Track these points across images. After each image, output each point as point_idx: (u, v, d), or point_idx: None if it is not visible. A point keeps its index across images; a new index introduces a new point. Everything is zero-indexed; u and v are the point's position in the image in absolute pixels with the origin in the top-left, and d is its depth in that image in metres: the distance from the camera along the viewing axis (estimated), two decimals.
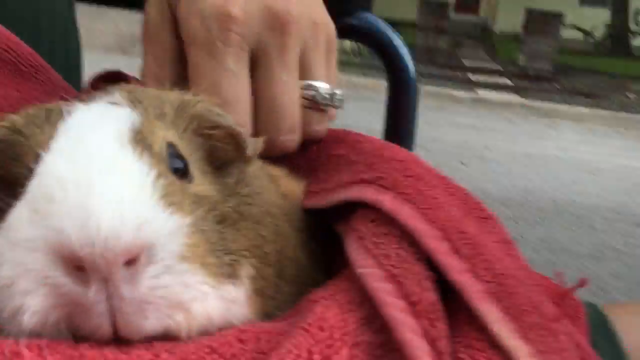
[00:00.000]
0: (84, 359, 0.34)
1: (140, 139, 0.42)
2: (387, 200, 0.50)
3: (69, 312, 0.36)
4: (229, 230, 0.45)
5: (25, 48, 0.68)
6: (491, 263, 0.47)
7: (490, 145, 6.33)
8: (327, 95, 0.68)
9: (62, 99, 0.71)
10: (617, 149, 7.23)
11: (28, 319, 0.35)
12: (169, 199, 0.39)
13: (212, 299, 0.40)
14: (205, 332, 0.40)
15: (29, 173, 0.42)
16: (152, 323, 0.37)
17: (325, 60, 0.69)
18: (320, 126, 0.69)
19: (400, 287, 0.43)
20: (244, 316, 0.44)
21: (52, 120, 0.45)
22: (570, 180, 5.52)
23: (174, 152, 0.45)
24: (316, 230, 0.61)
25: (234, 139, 0.50)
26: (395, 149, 0.59)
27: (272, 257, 0.50)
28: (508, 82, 10.38)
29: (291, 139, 0.65)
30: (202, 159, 0.49)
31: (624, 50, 16.20)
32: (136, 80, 0.81)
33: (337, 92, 0.69)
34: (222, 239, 0.43)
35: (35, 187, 0.39)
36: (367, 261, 0.46)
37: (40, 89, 0.69)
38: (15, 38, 0.68)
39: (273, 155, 0.63)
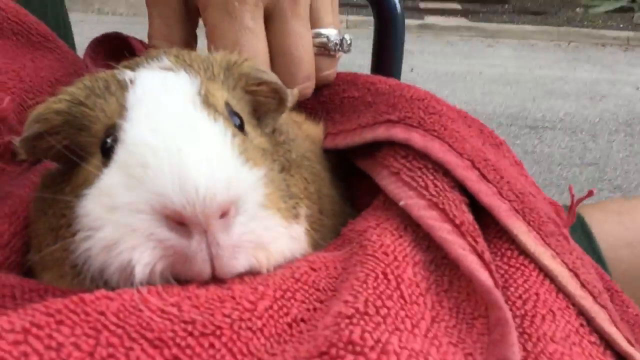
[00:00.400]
0: (198, 297, 0.40)
1: (207, 102, 0.47)
2: (417, 138, 0.56)
3: (173, 261, 0.41)
4: (287, 177, 0.51)
5: (32, 18, 0.70)
6: (512, 185, 0.54)
7: (417, 66, 6.45)
8: (337, 42, 0.72)
9: (76, 66, 0.73)
10: (548, 61, 7.47)
11: (140, 270, 0.40)
12: (246, 155, 0.44)
13: (285, 238, 0.46)
14: (278, 266, 0.46)
15: (99, 141, 0.46)
16: (241, 263, 0.42)
17: (330, 5, 0.73)
18: (331, 70, 0.74)
19: (444, 213, 0.49)
20: (304, 249, 0.50)
21: (112, 90, 0.48)
22: (481, 92, 5.78)
23: (231, 110, 0.50)
24: (337, 168, 0.67)
25: (277, 93, 0.55)
26: (413, 89, 0.63)
27: (314, 195, 0.56)
28: (457, 6, 10.42)
29: (308, 86, 0.69)
30: (249, 113, 0.54)
31: None
32: (138, 41, 0.83)
33: (346, 36, 0.73)
34: (286, 185, 0.49)
35: (126, 155, 0.42)
36: (407, 193, 0.52)
37: (50, 56, 0.71)
38: (22, 9, 0.69)
39: None
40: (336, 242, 0.54)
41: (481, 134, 0.60)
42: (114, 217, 0.41)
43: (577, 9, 10.37)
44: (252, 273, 0.44)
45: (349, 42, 0.74)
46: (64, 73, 0.69)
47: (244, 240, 0.42)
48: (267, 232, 0.44)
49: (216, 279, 0.42)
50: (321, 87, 0.74)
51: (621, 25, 9.37)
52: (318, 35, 0.71)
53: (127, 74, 0.50)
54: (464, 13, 10.08)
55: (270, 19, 0.68)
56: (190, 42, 0.72)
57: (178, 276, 0.41)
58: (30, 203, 0.53)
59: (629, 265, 0.73)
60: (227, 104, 0.50)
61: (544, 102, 5.65)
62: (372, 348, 0.36)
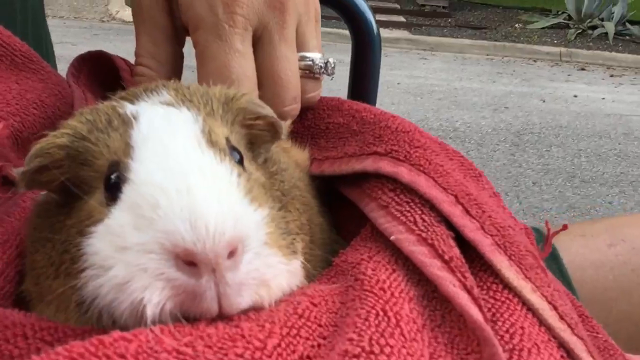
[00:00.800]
0: (210, 337, 0.40)
1: (211, 140, 0.48)
2: (404, 172, 0.58)
3: (182, 300, 0.41)
4: (285, 213, 0.52)
5: (15, 39, 0.69)
6: (493, 219, 0.57)
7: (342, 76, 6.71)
8: (322, 65, 0.75)
9: (60, 87, 0.72)
10: (472, 74, 7.89)
11: (151, 310, 0.40)
12: (251, 195, 0.45)
13: (284, 274, 0.47)
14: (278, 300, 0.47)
15: (102, 176, 0.47)
16: (245, 300, 0.44)
17: (315, 30, 0.76)
18: (316, 93, 0.76)
19: (433, 248, 0.52)
20: (300, 282, 0.51)
21: (115, 125, 0.49)
22: (390, 102, 6.08)
23: (231, 146, 0.50)
24: (321, 193, 0.69)
25: (273, 127, 0.56)
26: (398, 120, 0.66)
27: (306, 226, 0.58)
28: (402, 19, 10.67)
29: (295, 108, 0.71)
30: (245, 146, 0.55)
31: None
32: (122, 60, 0.82)
33: (330, 60, 0.76)
34: (284, 222, 0.50)
35: (136, 195, 0.43)
36: (397, 227, 0.55)
37: (35, 77, 0.70)
38: (5, 30, 0.68)
39: None
40: (329, 273, 0.55)
41: (462, 167, 0.63)
42: (125, 257, 0.41)
43: (516, 25, 10.82)
44: (255, 308, 0.45)
45: (332, 65, 0.77)
46: (49, 94, 0.68)
47: (249, 278, 0.43)
48: (269, 269, 0.45)
49: (222, 316, 0.43)
50: (305, 110, 0.75)
51: (555, 41, 9.85)
52: (303, 58, 0.74)
53: (129, 109, 0.50)
54: (407, 26, 10.34)
55: (258, 43, 0.69)
56: (177, 61, 0.72)
57: (186, 314, 0.42)
58: (25, 232, 0.52)
59: (594, 286, 0.78)
60: (227, 140, 0.51)
61: (446, 112, 6.00)
62: None
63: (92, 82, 0.79)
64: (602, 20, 10.49)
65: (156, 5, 0.69)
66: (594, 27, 10.39)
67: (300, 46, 0.73)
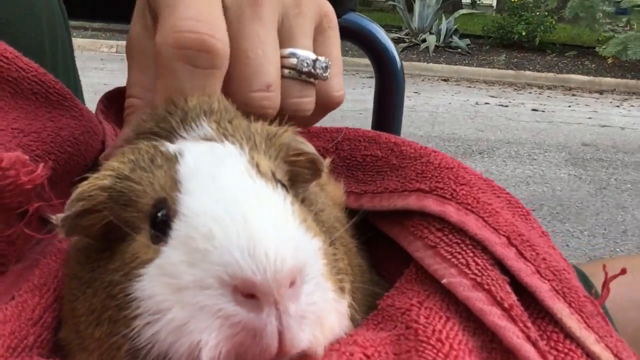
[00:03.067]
0: None
1: (259, 171, 0.46)
2: (452, 212, 0.56)
3: (241, 340, 0.39)
4: (333, 249, 0.50)
5: (50, 77, 0.68)
6: (548, 262, 0.54)
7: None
8: (308, 62, 0.64)
9: (91, 124, 0.71)
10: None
11: (207, 354, 0.38)
12: (305, 224, 0.43)
13: (335, 313, 0.44)
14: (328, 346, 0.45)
15: (146, 216, 0.45)
16: (306, 336, 0.40)
17: (310, 30, 0.66)
18: (304, 99, 0.65)
19: (490, 294, 0.49)
20: (346, 327, 0.48)
21: (158, 163, 0.47)
22: None
23: (277, 180, 0.48)
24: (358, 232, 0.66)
25: (314, 164, 0.54)
26: (440, 155, 0.63)
27: (349, 268, 0.55)
28: None
29: (267, 97, 0.60)
30: (287, 183, 0.53)
31: None
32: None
33: (321, 59, 0.65)
34: (334, 259, 0.48)
35: (188, 228, 0.41)
36: (449, 270, 0.52)
37: (68, 115, 0.69)
38: (41, 68, 0.67)
39: (251, 114, 0.58)
40: (375, 318, 0.52)
41: (509, 205, 0.61)
42: (181, 298, 0.39)
43: None
44: (308, 354, 0.42)
45: (324, 65, 0.65)
46: (82, 132, 0.67)
47: (309, 312, 0.41)
48: (326, 305, 0.43)
49: (280, 356, 0.40)
50: (342, 141, 0.72)
51: None
52: (290, 55, 0.64)
53: (171, 147, 0.48)
54: None
55: (228, 22, 0.60)
56: None
57: (244, 356, 0.39)
58: (63, 278, 0.50)
59: (637, 328, 0.74)
60: (273, 174, 0.49)
61: None
62: None
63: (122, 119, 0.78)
64: (432, 34, 12.01)
65: (145, 35, 0.64)
66: (424, 41, 11.97)
67: (287, 41, 0.64)
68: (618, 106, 9.19)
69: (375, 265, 0.67)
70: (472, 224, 0.55)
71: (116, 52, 11.11)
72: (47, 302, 0.51)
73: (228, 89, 0.59)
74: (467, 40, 12.34)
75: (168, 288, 0.40)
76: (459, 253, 0.53)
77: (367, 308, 0.55)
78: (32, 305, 0.50)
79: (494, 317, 0.47)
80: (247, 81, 0.60)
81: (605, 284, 0.59)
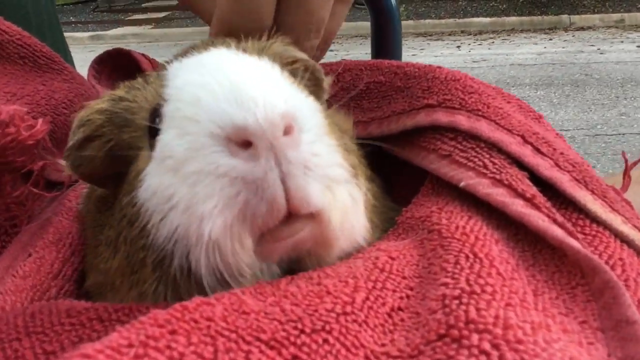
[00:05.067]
0: (295, 295, 0.37)
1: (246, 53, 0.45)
2: (462, 120, 0.54)
3: (243, 199, 0.36)
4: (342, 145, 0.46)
5: (35, 40, 0.67)
6: (566, 155, 0.53)
7: None
8: None
9: (84, 87, 0.70)
10: None
11: (212, 228, 0.36)
12: (301, 90, 0.42)
13: (345, 191, 0.42)
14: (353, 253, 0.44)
15: (144, 133, 0.43)
16: (315, 192, 0.38)
17: None
18: (340, 20, 0.67)
19: (511, 189, 0.48)
20: (364, 221, 0.46)
21: (151, 81, 0.46)
22: None
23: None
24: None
25: (312, 74, 0.53)
26: (445, 70, 0.61)
27: (366, 181, 0.53)
28: None
29: (316, 44, 0.63)
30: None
31: None
32: (141, 55, 0.79)
33: None
34: (343, 143, 0.45)
35: (173, 107, 0.39)
36: (466, 173, 0.51)
37: (59, 78, 0.68)
38: (25, 32, 0.66)
39: None
40: (395, 231, 0.51)
41: (521, 109, 0.59)
42: (181, 174, 0.37)
43: None
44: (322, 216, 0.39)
45: None
46: (76, 94, 0.66)
47: (314, 164, 0.38)
48: (333, 167, 0.40)
49: (293, 210, 0.37)
50: (341, 72, 0.69)
51: None
52: None
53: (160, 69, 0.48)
54: None
55: None
56: None
57: (252, 221, 0.37)
58: (79, 232, 0.50)
59: None
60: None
61: None
62: (494, 324, 0.34)
63: (115, 81, 0.77)
64: None
65: None
66: None
67: None
68: None
69: (390, 194, 0.66)
70: (485, 127, 0.53)
71: None
72: (65, 256, 0.50)
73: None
74: None
75: (168, 173, 0.38)
76: (475, 157, 0.52)
77: (383, 232, 0.53)
78: (50, 260, 0.50)
79: (517, 206, 0.46)
80: (303, 24, 0.60)
81: (626, 172, 0.58)
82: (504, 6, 10.71)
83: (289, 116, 0.37)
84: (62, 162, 0.47)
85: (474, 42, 8.82)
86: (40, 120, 0.54)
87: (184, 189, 0.37)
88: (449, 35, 9.53)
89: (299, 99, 0.40)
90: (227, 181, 0.36)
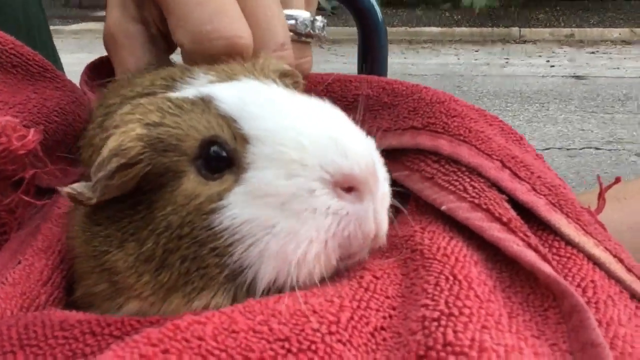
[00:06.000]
0: (282, 313, 0.38)
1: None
2: (445, 145, 0.56)
3: (348, 231, 0.44)
4: None
5: (27, 49, 0.67)
6: (543, 179, 0.55)
7: None
8: (307, 24, 0.67)
9: (76, 94, 0.71)
10: None
11: (315, 253, 0.43)
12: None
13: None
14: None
15: (190, 158, 0.45)
16: (385, 219, 0.47)
17: None
18: (304, 59, 0.67)
19: (489, 212, 0.50)
20: None
21: (186, 108, 0.47)
22: None
23: None
24: None
25: (292, 77, 0.57)
26: (431, 91, 0.63)
27: None
28: None
29: (282, 56, 0.61)
30: None
31: None
32: None
33: (318, 19, 0.68)
34: None
35: (271, 148, 0.44)
36: (447, 197, 0.53)
37: (51, 86, 0.68)
38: (17, 41, 0.66)
39: None
40: (379, 249, 0.53)
41: (502, 131, 0.62)
42: (287, 209, 0.43)
43: None
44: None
45: (321, 25, 0.68)
46: (68, 102, 0.66)
47: (385, 198, 0.48)
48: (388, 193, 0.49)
49: (376, 239, 0.47)
50: (332, 82, 0.70)
51: None
52: (288, 18, 0.64)
53: (187, 92, 0.49)
54: None
55: None
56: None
57: (348, 247, 0.45)
58: (71, 240, 0.50)
59: (631, 247, 0.76)
60: None
61: None
62: (470, 347, 0.36)
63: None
64: None
65: (124, 17, 0.64)
66: None
67: (283, 3, 0.64)
68: None
69: None
70: (465, 153, 0.56)
71: None
72: (54, 263, 0.51)
73: None
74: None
75: (268, 207, 0.43)
76: (456, 180, 0.54)
77: None
78: (39, 268, 0.50)
79: (494, 231, 0.48)
80: (262, 43, 0.60)
81: (601, 195, 0.60)
82: (458, 17, 10.88)
83: (376, 162, 0.46)
84: (76, 187, 0.47)
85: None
86: (32, 130, 0.55)
87: (291, 222, 0.43)
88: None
89: (370, 141, 0.48)
90: (336, 218, 0.44)
